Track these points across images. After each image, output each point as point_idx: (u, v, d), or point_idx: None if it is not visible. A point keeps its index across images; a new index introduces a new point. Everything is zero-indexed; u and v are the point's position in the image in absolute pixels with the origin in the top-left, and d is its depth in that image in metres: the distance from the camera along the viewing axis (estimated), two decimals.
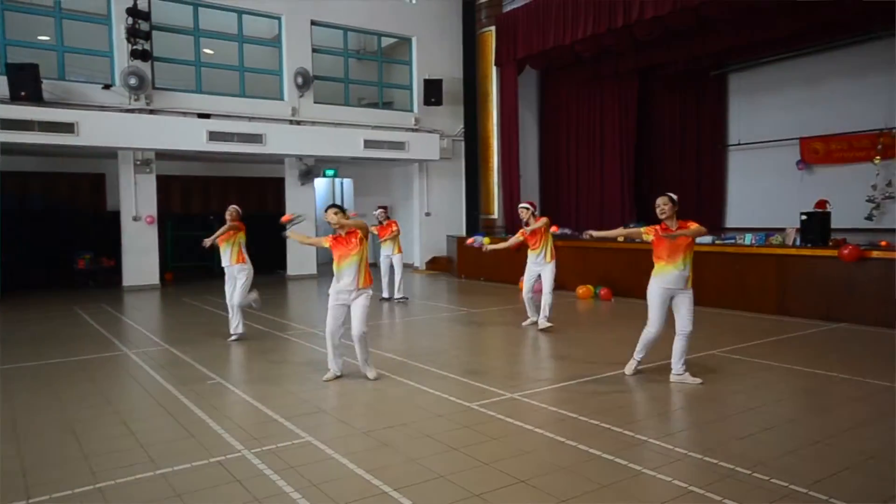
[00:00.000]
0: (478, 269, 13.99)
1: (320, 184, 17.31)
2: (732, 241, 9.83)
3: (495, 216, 15.27)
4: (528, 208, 8.13)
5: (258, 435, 4.29)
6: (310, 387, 5.52)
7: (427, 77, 15.47)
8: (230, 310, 7.52)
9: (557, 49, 13.30)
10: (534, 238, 8.02)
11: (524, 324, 8.23)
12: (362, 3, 15.15)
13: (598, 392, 5.24)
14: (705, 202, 17.42)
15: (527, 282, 8.21)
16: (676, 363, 5.47)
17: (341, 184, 18.33)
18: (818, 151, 15.09)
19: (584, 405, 4.87)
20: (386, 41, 16.08)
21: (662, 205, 5.40)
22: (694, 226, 5.29)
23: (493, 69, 14.95)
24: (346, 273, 5.55)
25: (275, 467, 3.74)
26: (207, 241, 7.46)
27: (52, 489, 3.49)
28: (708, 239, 10.14)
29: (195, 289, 12.76)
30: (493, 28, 14.84)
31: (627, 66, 14.86)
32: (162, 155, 13.21)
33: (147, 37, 12.26)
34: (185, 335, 7.99)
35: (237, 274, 7.46)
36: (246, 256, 7.49)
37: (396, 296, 10.63)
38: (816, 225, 8.76)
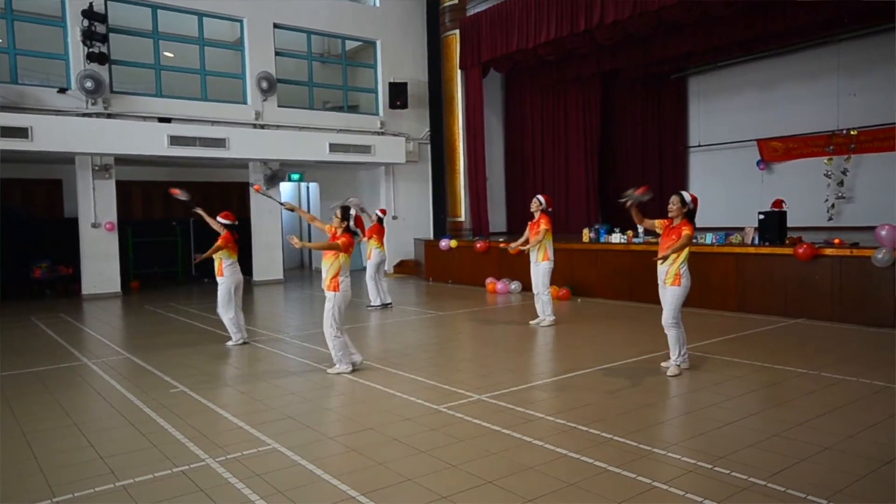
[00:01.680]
0: (445, 271, 14.01)
1: (286, 188, 17.14)
2: (694, 240, 10.03)
3: (462, 219, 15.31)
4: (539, 201, 8.24)
5: (223, 443, 4.22)
6: (276, 393, 5.46)
7: (392, 80, 15.45)
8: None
9: (521, 52, 13.42)
10: (531, 233, 8.25)
11: (531, 322, 8.42)
12: (326, 6, 15.07)
13: (563, 392, 5.29)
14: (667, 203, 17.77)
15: (533, 281, 8.36)
16: (671, 353, 5.83)
17: (307, 188, 18.17)
18: (777, 150, 15.54)
19: (550, 405, 4.91)
20: (350, 44, 16.01)
21: (671, 203, 5.82)
22: (682, 236, 5.65)
23: (458, 72, 15.00)
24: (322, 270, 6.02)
25: (240, 475, 3.69)
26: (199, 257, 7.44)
27: None
28: None
29: (158, 296, 12.50)
30: (457, 31, 14.89)
31: (590, 70, 15.10)
32: (122, 160, 12.92)
33: (104, 39, 11.98)
34: (147, 343, 7.82)
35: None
36: (225, 269, 7.37)
37: (386, 301, 10.26)
38: (773, 224, 9.00)
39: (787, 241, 8.84)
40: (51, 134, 11.32)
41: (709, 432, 4.23)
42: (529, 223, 8.39)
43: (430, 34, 16.02)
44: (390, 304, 10.34)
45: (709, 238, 9.67)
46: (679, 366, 5.77)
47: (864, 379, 5.38)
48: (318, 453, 4.01)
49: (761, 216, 9.14)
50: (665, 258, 5.64)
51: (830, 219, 14.12)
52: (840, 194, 14.13)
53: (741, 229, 9.55)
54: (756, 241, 9.11)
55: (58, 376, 6.25)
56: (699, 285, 9.55)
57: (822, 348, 6.75)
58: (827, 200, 14.28)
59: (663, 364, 5.90)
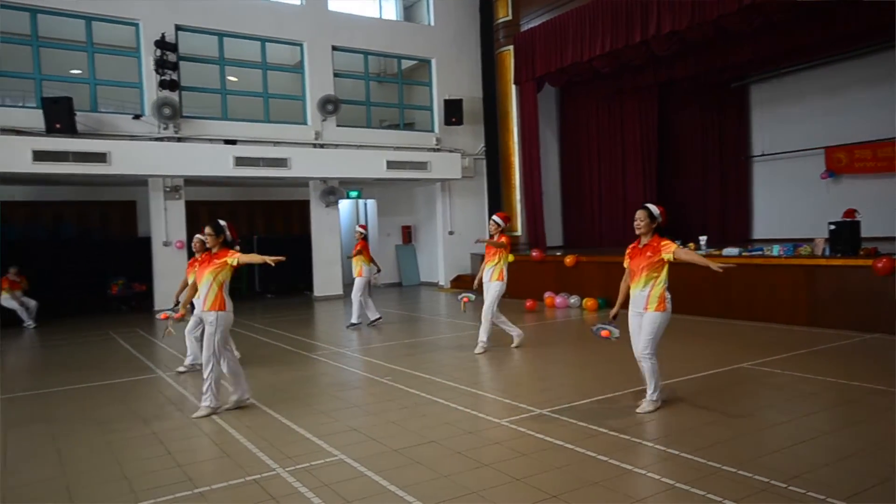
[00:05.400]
0: None
1: (344, 205, 17.53)
2: (760, 252, 9.74)
3: (518, 233, 15.28)
4: (496, 223, 7.88)
5: (292, 453, 4.35)
6: (340, 405, 5.59)
7: (447, 97, 15.66)
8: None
9: (576, 66, 13.38)
10: (488, 252, 7.93)
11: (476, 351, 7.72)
12: (382, 27, 15.45)
13: (627, 406, 5.21)
14: (731, 214, 17.28)
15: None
16: (647, 388, 5.08)
17: (365, 205, 18.53)
18: (841, 160, 14.96)
19: (614, 420, 4.85)
20: (406, 63, 16.33)
21: (638, 219, 4.95)
22: (668, 249, 4.84)
23: (513, 87, 15.06)
24: (200, 294, 5.50)
25: (309, 485, 3.80)
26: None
27: None
28: (735, 251, 10.07)
29: None
30: (511, 47, 14.98)
31: (647, 81, 14.89)
32: (190, 181, 13.52)
33: (175, 67, 12.62)
34: None
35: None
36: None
37: (375, 317, 10.26)
38: (846, 234, 8.64)
39: (862, 253, 8.47)
40: (126, 158, 11.96)
41: (781, 450, 4.10)
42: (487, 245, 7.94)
43: (485, 51, 16.16)
44: (380, 318, 10.30)
45: (776, 250, 9.37)
46: (655, 401, 5.03)
47: None
48: (383, 465, 4.09)
49: (832, 226, 8.81)
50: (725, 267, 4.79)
51: None
52: None
53: (810, 240, 9.21)
54: (827, 253, 8.77)
55: (135, 387, 6.58)
56: (765, 298, 9.31)
57: None
58: None
59: (638, 410, 5.02)
